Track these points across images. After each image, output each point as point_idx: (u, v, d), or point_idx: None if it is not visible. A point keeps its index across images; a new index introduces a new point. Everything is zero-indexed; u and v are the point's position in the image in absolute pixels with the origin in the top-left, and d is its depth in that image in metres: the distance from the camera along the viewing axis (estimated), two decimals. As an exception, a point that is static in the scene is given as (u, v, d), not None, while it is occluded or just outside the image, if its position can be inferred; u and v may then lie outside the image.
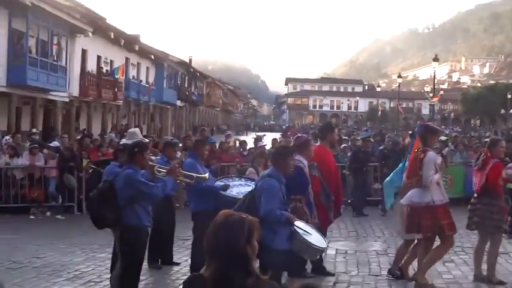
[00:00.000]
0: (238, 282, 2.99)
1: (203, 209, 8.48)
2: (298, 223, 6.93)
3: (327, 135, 9.41)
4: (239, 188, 9.12)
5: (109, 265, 8.90)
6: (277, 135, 29.33)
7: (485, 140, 17.02)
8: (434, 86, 52.89)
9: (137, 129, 12.10)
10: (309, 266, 8.87)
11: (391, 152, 16.32)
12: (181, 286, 3.30)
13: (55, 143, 18.45)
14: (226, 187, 8.94)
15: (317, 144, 9.62)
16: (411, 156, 8.59)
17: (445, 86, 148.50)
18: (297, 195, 7.83)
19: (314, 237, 6.95)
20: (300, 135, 9.87)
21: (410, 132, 16.88)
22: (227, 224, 3.10)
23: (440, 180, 8.32)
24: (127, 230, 7.05)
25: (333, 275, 9.08)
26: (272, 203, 6.54)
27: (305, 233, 6.79)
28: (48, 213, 15.99)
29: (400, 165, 9.38)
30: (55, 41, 30.48)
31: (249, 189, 7.60)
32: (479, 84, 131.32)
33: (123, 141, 10.87)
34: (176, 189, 9.49)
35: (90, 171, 14.45)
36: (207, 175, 8.43)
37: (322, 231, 8.78)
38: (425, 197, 8.02)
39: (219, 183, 9.17)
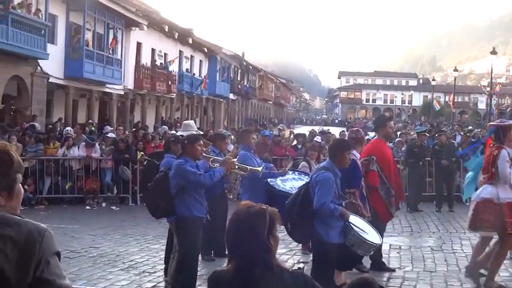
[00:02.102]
0: (259, 275, 2.92)
1: (256, 202, 8.43)
2: (353, 217, 6.89)
3: (381, 128, 9.29)
4: (292, 182, 9.09)
5: (163, 256, 9.01)
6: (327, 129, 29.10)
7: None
8: (491, 80, 51.69)
9: (192, 121, 12.15)
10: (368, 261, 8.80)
11: (443, 147, 16.03)
12: None
13: (111, 134, 18.75)
14: (282, 174, 8.97)
15: (374, 138, 9.53)
16: (486, 152, 8.38)
17: (502, 80, 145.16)
18: (350, 188, 7.81)
19: (369, 233, 6.90)
20: (355, 128, 9.83)
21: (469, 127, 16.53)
22: (248, 216, 3.02)
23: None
24: (181, 221, 7.12)
25: (394, 270, 8.99)
26: (326, 196, 6.50)
27: (359, 228, 6.75)
28: (103, 204, 16.28)
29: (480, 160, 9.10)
30: (111, 35, 30.95)
31: (303, 183, 7.57)
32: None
33: (179, 133, 10.94)
34: (228, 181, 9.52)
35: (145, 163, 14.62)
36: (261, 168, 8.42)
37: (383, 226, 8.73)
38: (492, 193, 7.82)
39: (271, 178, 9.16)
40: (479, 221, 7.97)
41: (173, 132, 18.43)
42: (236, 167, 7.80)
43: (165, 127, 25.52)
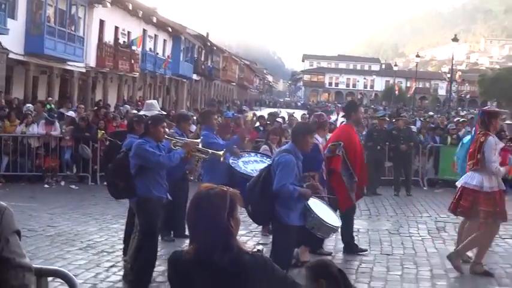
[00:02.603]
0: (220, 256, 2.93)
1: (217, 184, 8.46)
2: (314, 201, 7.00)
3: (352, 113, 9.33)
4: (254, 165, 9.13)
5: (122, 236, 8.97)
6: (292, 112, 29.21)
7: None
8: (452, 66, 52.43)
9: (154, 101, 12.05)
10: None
11: (400, 132, 16.19)
12: None
13: (71, 113, 18.51)
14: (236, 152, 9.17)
15: (343, 123, 9.60)
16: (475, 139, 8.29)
17: (463, 67, 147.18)
18: (310, 171, 7.88)
19: (328, 216, 7.00)
20: (320, 113, 9.87)
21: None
22: (208, 198, 3.01)
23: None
24: (141, 201, 7.10)
25: (366, 250, 9.19)
26: (286, 178, 6.55)
27: (319, 211, 6.85)
28: (62, 183, 16.10)
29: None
30: (73, 10, 30.47)
31: (265, 165, 7.61)
32: (497, 66, 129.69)
33: (141, 112, 10.86)
34: (190, 163, 9.50)
35: (107, 143, 14.50)
36: (222, 152, 8.43)
37: (343, 211, 8.84)
38: (476, 181, 7.86)
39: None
40: (460, 207, 8.05)
41: (135, 111, 18.32)
42: (198, 150, 7.77)
43: (128, 106, 25.35)
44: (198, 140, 8.31)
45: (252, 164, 9.14)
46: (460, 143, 9.18)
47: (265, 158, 9.47)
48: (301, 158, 6.84)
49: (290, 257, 7.04)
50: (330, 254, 8.94)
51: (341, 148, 8.73)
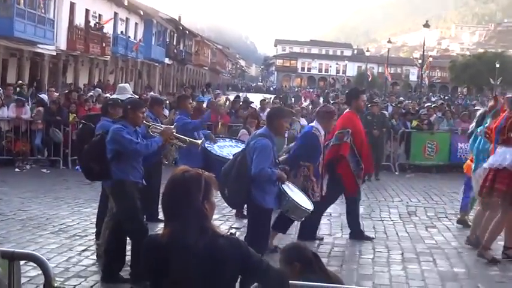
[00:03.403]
0: (194, 240, 2.93)
1: (192, 167, 8.47)
2: (288, 184, 7.11)
3: (353, 101, 9.29)
4: (229, 149, 9.18)
5: (94, 220, 8.92)
6: (264, 97, 29.18)
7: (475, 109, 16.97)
8: (423, 52, 52.86)
9: (127, 85, 11.96)
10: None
11: (374, 117, 16.27)
12: None
13: (43, 96, 18.27)
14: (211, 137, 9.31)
15: (346, 110, 9.53)
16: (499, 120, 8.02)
17: (434, 53, 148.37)
18: (306, 162, 7.99)
19: (301, 199, 7.10)
20: (327, 104, 9.61)
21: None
22: (183, 180, 3.02)
23: None
24: (116, 185, 7.03)
25: (373, 238, 9.24)
26: (264, 162, 6.63)
27: (294, 194, 6.95)
28: (31, 166, 15.91)
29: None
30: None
31: (239, 150, 7.64)
32: (468, 53, 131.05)
33: (114, 96, 10.77)
34: (165, 149, 9.46)
35: (80, 126, 14.35)
36: (200, 141, 8.40)
37: (351, 195, 8.97)
38: (508, 160, 7.66)
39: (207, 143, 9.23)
40: (491, 189, 7.81)
41: (107, 95, 18.15)
42: (175, 137, 7.74)
43: (99, 90, 25.08)
44: (173, 126, 8.25)
45: (227, 148, 9.22)
46: (473, 136, 9.09)
47: (240, 143, 9.55)
48: (275, 143, 6.91)
49: (266, 240, 7.09)
50: (321, 239, 9.03)
51: (349, 135, 8.78)
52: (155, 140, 7.15)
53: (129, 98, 9.06)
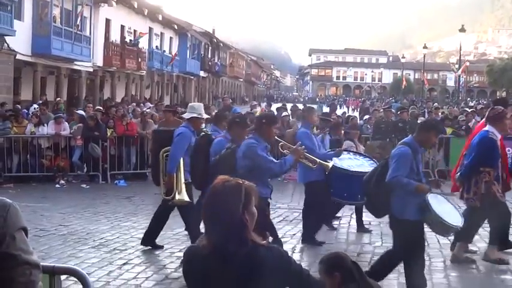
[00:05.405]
0: (234, 250, 2.90)
1: (315, 179, 8.81)
2: (437, 196, 6.72)
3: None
4: (348, 161, 9.25)
5: (134, 233, 8.99)
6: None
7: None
8: (460, 57, 52.21)
9: (200, 104, 10.67)
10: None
11: (406, 124, 16.07)
12: None
13: (80, 112, 18.51)
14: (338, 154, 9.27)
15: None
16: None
17: (471, 58, 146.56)
18: (486, 167, 7.85)
19: (449, 213, 6.63)
20: (493, 107, 9.14)
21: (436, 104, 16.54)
22: (224, 190, 2.98)
23: None
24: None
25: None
26: (398, 170, 6.39)
27: (440, 208, 6.51)
28: (71, 182, 16.10)
29: None
30: (79, 10, 30.52)
31: (359, 162, 7.72)
32: (505, 56, 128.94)
33: (185, 115, 9.91)
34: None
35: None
36: (330, 164, 8.35)
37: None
38: None
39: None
40: None
41: (146, 110, 18.23)
42: (305, 157, 7.66)
43: (149, 104, 25.24)
44: (299, 143, 7.97)
45: (346, 161, 9.32)
46: None
47: (357, 155, 9.91)
48: (420, 152, 6.77)
49: (420, 255, 6.59)
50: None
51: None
52: (287, 159, 7.10)
53: (193, 117, 8.59)
